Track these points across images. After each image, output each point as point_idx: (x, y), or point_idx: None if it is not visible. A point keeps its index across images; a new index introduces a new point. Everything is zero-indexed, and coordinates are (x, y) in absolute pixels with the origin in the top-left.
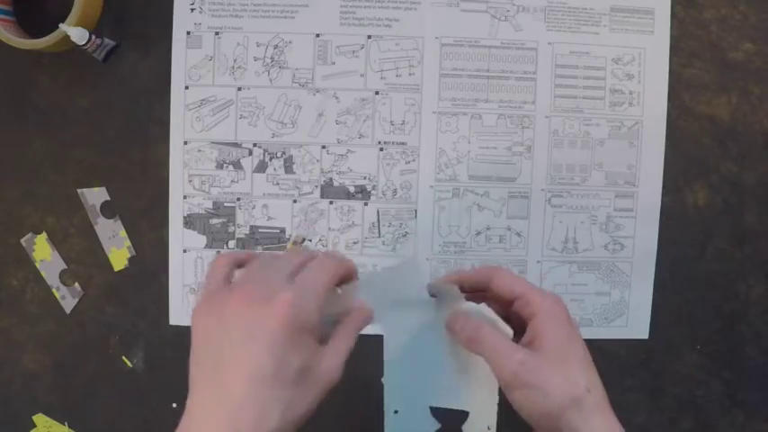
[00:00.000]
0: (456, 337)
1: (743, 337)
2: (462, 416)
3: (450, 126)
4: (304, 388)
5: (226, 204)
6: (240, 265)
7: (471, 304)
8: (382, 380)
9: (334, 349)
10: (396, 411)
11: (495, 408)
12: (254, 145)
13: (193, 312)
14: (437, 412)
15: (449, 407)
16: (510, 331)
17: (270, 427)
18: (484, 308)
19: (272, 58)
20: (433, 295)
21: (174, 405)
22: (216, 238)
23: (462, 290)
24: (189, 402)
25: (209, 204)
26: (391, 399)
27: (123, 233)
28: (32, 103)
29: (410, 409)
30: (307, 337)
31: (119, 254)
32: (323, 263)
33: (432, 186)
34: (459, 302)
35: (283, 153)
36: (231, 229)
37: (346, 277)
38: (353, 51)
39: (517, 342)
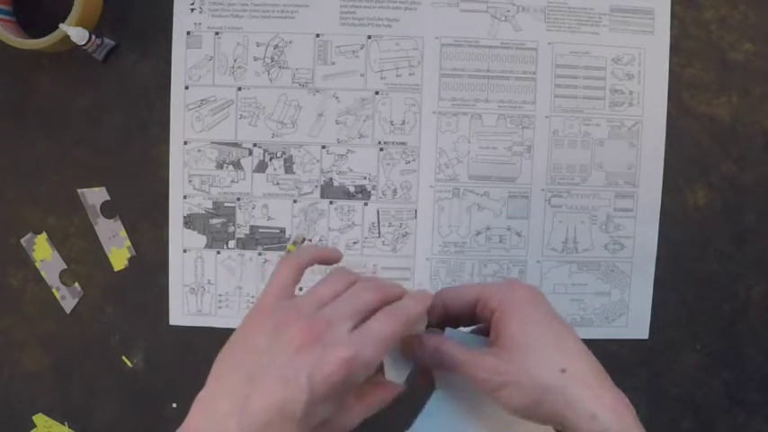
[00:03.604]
0: (422, 363)
1: (743, 337)
2: None
3: (450, 126)
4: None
5: (226, 204)
6: (305, 267)
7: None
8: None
9: (360, 409)
10: None
11: None
12: (254, 145)
13: (254, 311)
14: None
15: None
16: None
17: None
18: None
19: (272, 58)
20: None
21: (174, 405)
22: (216, 238)
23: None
24: (204, 395)
25: (209, 204)
26: None
27: (123, 233)
28: (32, 103)
29: None
30: (345, 394)
31: (119, 254)
32: (394, 315)
33: (432, 186)
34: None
35: (283, 153)
36: (231, 229)
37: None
38: (353, 51)
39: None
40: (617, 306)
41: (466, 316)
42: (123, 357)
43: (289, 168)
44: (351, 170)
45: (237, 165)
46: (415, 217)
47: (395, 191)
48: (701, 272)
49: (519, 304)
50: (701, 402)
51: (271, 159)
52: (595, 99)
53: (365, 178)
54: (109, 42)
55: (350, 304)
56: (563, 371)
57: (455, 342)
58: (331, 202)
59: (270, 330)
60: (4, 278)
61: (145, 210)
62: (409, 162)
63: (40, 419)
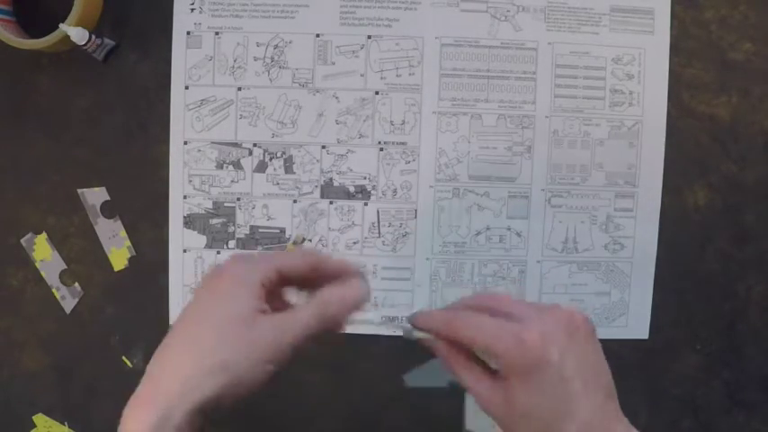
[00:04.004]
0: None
1: (743, 337)
2: None
3: (450, 126)
4: (227, 345)
5: (226, 204)
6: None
7: None
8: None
9: (275, 321)
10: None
11: None
12: (254, 145)
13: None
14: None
15: None
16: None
17: (184, 375)
18: None
19: (272, 58)
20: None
21: None
22: (216, 238)
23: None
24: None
25: (209, 204)
26: None
27: (123, 233)
28: (32, 103)
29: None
30: (246, 294)
31: (119, 254)
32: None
33: (432, 186)
34: None
35: (283, 153)
36: (231, 229)
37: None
38: (353, 51)
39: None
40: (617, 306)
41: None
42: (123, 357)
43: (289, 168)
44: (351, 170)
45: (237, 165)
46: (415, 217)
47: (395, 191)
48: (701, 272)
49: (524, 373)
50: (701, 402)
51: (271, 159)
52: (595, 99)
53: (365, 178)
54: (109, 42)
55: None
56: None
57: (468, 366)
58: (331, 202)
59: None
60: (4, 278)
61: (145, 210)
62: (409, 162)
63: (40, 419)
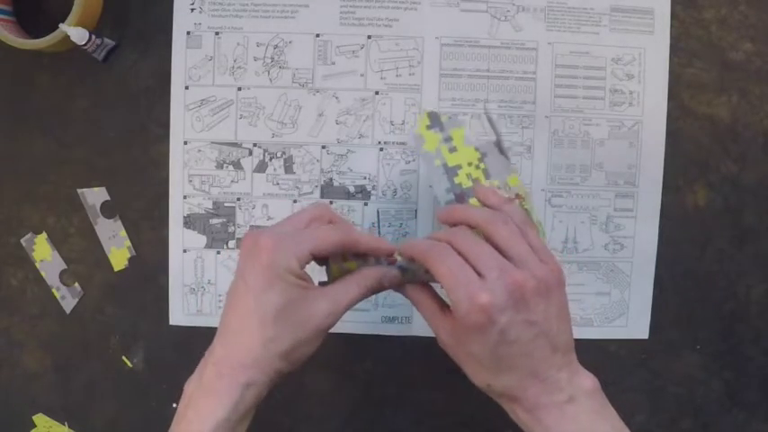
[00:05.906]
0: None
1: (743, 337)
2: None
3: None
4: (287, 326)
5: (226, 204)
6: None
7: None
8: None
9: (328, 295)
10: None
11: None
12: (254, 145)
13: None
14: None
15: None
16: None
17: (255, 356)
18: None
19: (272, 58)
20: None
21: (174, 405)
22: (216, 238)
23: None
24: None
25: (209, 204)
26: None
27: (123, 233)
28: (32, 103)
29: None
30: (288, 280)
31: (119, 254)
32: (333, 228)
33: (432, 186)
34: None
35: (283, 153)
36: (231, 229)
37: (349, 249)
38: (353, 51)
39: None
40: (617, 306)
41: None
42: (123, 357)
43: (289, 168)
44: (351, 170)
45: (237, 165)
46: (415, 217)
47: (395, 191)
48: (701, 272)
49: (470, 326)
50: (701, 402)
51: (271, 159)
52: (595, 99)
53: (365, 178)
54: (109, 42)
55: (293, 219)
56: (489, 385)
57: (430, 299)
58: (331, 202)
59: (244, 254)
60: (4, 278)
61: (145, 210)
62: (409, 162)
63: (40, 419)
